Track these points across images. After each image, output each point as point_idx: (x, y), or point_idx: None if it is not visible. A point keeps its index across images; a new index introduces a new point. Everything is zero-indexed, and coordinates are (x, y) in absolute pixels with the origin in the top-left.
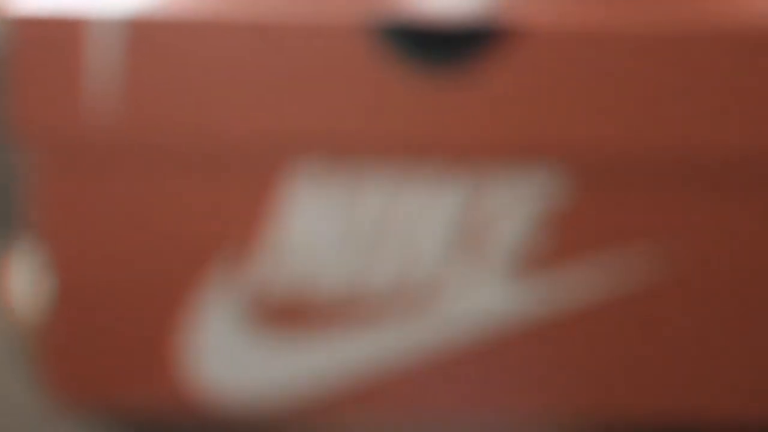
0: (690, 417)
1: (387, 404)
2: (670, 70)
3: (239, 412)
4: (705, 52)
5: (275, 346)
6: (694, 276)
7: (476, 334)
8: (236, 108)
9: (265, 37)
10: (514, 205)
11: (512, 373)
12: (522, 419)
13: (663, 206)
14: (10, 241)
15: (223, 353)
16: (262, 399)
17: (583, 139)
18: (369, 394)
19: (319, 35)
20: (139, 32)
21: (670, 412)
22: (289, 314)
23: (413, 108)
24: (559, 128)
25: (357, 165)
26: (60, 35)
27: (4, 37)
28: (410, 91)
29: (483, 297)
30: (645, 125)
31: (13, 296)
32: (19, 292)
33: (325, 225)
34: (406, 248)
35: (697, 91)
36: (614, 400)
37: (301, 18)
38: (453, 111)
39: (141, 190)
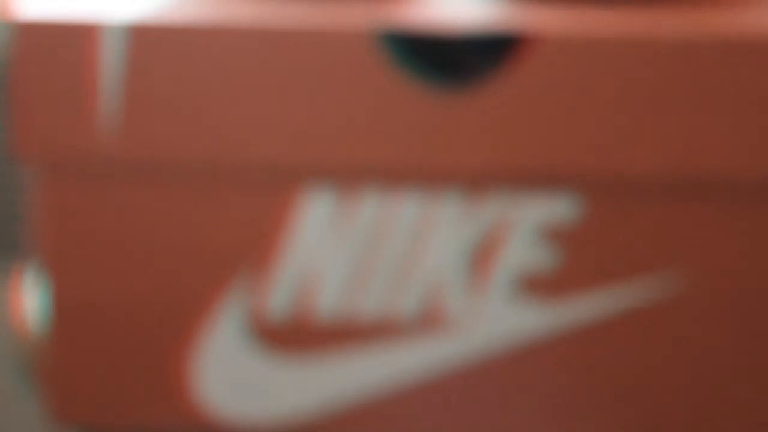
0: None
1: (393, 425)
2: (691, 82)
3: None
4: (729, 64)
5: (282, 367)
6: (711, 298)
7: (483, 357)
8: (244, 120)
9: (277, 44)
10: (525, 225)
11: (520, 398)
12: None
13: (681, 226)
14: (17, 260)
15: (230, 373)
16: (269, 419)
17: (597, 157)
18: (375, 415)
19: (332, 44)
20: (148, 39)
21: None
22: (295, 335)
23: (418, 123)
24: (572, 145)
25: (362, 181)
26: (64, 41)
27: (6, 42)
28: (416, 105)
29: (491, 320)
30: (662, 141)
31: (21, 316)
32: (27, 311)
33: (332, 245)
34: (412, 270)
35: (718, 103)
36: (631, 425)
37: (314, 28)
38: (462, 127)
39: (146, 205)
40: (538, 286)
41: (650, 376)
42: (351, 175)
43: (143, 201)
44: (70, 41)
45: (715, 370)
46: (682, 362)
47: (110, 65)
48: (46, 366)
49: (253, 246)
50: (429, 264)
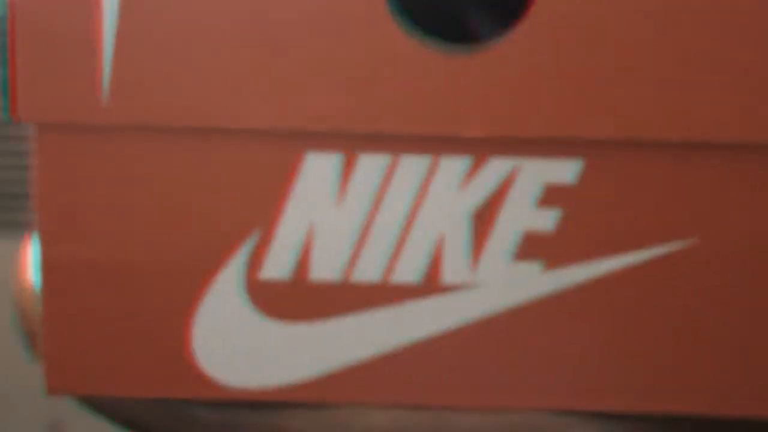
0: (714, 410)
1: (395, 387)
2: (697, 42)
3: (246, 396)
4: (737, 23)
5: (283, 331)
6: (712, 257)
7: (485, 318)
8: (249, 79)
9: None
10: (527, 187)
11: (520, 357)
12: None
13: (683, 188)
14: (26, 227)
15: (230, 338)
16: (269, 383)
17: (600, 118)
18: (377, 378)
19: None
20: None
21: (691, 403)
22: (297, 299)
23: (422, 84)
24: (575, 107)
25: (365, 143)
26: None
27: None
28: (419, 65)
29: (493, 281)
30: (666, 102)
31: (28, 283)
32: (33, 279)
33: (335, 207)
34: (415, 232)
35: (725, 63)
36: (627, 382)
37: None
38: (467, 87)
39: (145, 166)
40: (540, 247)
41: (647, 332)
42: (355, 136)
43: (142, 162)
44: None
45: (713, 327)
46: (680, 320)
47: (110, 19)
48: (45, 331)
49: (255, 209)
50: (432, 226)
